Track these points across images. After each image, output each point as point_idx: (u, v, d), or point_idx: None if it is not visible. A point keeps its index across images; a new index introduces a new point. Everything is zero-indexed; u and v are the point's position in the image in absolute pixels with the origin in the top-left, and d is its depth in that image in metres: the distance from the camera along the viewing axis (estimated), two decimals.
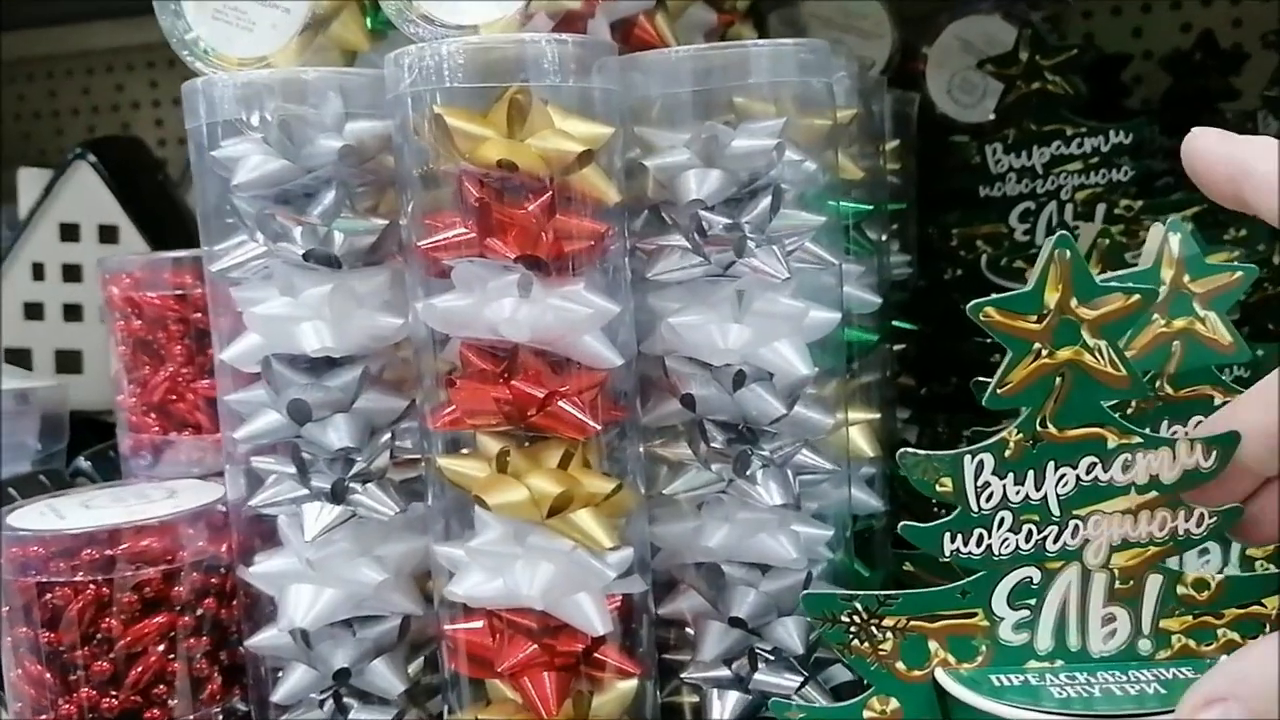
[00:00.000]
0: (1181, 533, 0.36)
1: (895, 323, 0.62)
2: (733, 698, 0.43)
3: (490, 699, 0.41)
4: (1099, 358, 0.35)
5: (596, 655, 0.40)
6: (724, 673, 0.43)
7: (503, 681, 0.40)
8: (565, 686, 0.39)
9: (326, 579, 0.41)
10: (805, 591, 0.39)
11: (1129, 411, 0.38)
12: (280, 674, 0.43)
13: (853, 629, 0.38)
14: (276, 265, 0.41)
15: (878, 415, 0.50)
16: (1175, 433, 0.39)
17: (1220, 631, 0.37)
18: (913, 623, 0.38)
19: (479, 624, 0.41)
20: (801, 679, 0.42)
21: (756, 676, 0.42)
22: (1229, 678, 0.31)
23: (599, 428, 0.38)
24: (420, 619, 0.43)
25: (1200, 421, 0.37)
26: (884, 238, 0.57)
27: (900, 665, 0.38)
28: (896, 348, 0.64)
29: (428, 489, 0.41)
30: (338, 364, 0.41)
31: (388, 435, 0.42)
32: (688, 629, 0.44)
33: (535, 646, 0.40)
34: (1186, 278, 0.40)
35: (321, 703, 0.42)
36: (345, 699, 0.42)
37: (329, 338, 0.40)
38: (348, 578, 0.41)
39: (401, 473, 0.43)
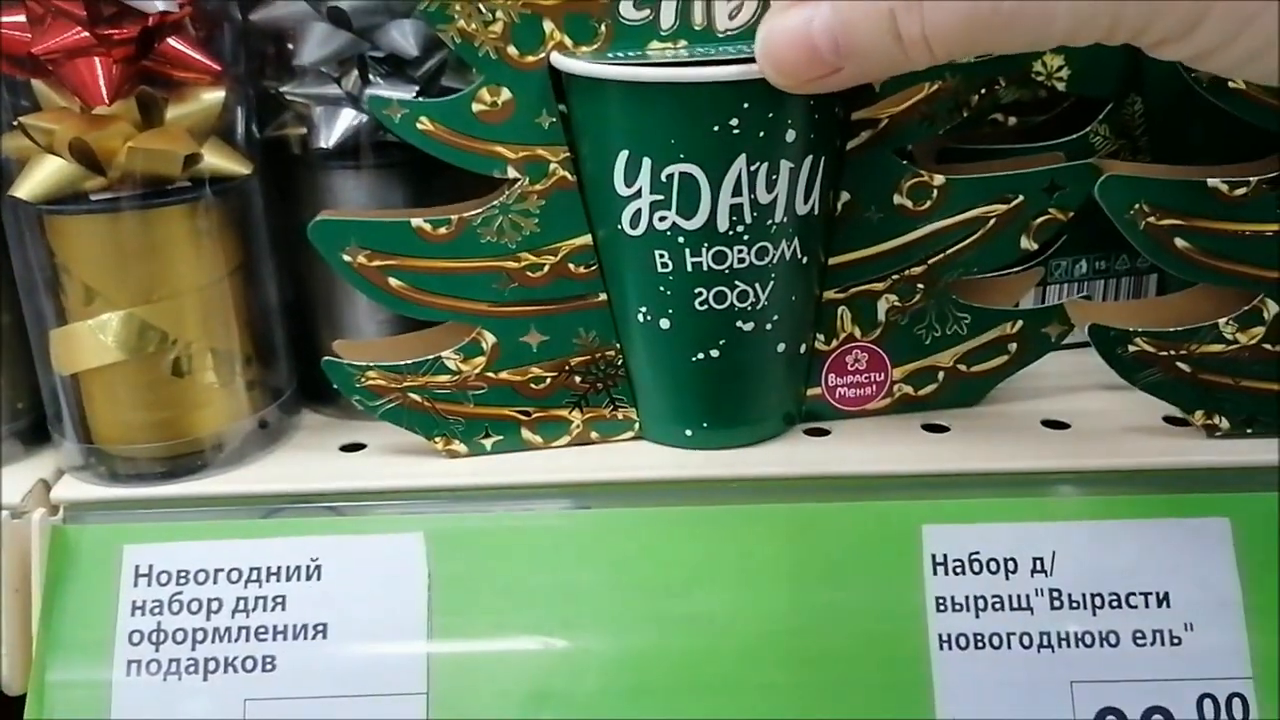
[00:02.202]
0: None
1: None
2: (343, 118, 0.38)
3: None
4: None
5: (166, 50, 0.34)
6: (332, 89, 0.38)
7: (48, 83, 0.34)
8: (121, 76, 0.33)
9: None
10: None
11: None
12: None
13: (459, 7, 0.34)
14: None
15: None
16: None
17: None
18: None
19: (17, 17, 0.34)
20: (418, 91, 0.38)
21: (369, 92, 0.38)
22: None
23: None
24: None
25: None
26: None
27: (512, 50, 0.35)
28: None
29: None
30: None
31: None
32: (290, 46, 0.38)
33: (83, 32, 0.33)
34: None
35: None
36: None
37: None
38: None
39: None
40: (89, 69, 0.33)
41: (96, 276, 0.35)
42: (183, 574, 0.35)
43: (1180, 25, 0.26)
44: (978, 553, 0.36)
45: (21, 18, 0.34)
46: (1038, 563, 0.36)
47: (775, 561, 0.36)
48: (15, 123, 0.34)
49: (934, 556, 0.36)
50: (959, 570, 0.36)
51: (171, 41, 0.34)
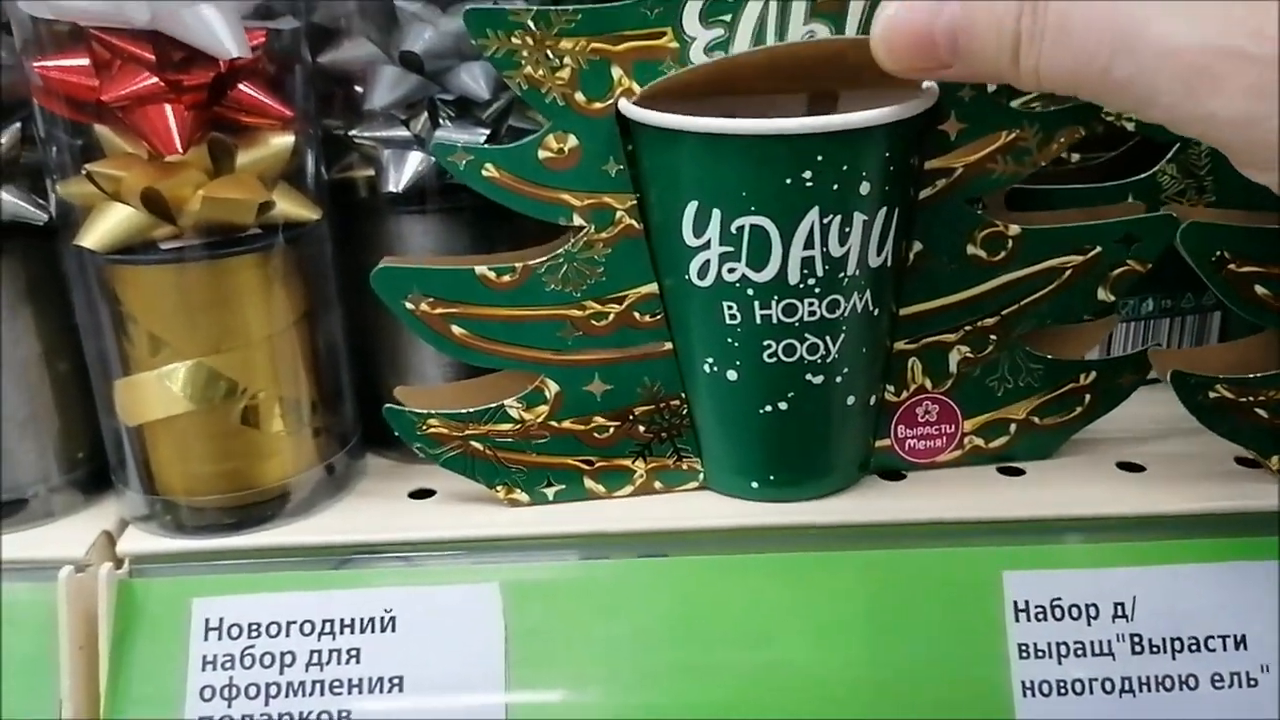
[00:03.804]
0: None
1: None
2: (411, 161, 0.38)
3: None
4: None
5: (237, 95, 0.34)
6: (401, 132, 0.38)
7: (115, 129, 0.34)
8: (193, 123, 0.33)
9: None
10: (468, 7, 0.33)
11: None
12: None
13: (525, 53, 0.34)
14: None
15: None
16: None
17: None
18: (594, 45, 0.34)
19: (81, 61, 0.33)
20: (488, 133, 0.38)
21: (439, 134, 0.37)
22: None
23: None
24: (16, 73, 0.35)
25: None
26: None
27: (580, 97, 0.34)
28: None
29: None
30: None
31: None
32: (358, 89, 0.38)
33: (153, 78, 0.33)
34: None
35: None
36: None
37: None
38: None
39: None
40: (160, 116, 0.33)
41: (165, 326, 0.35)
42: (254, 627, 0.34)
43: (1267, 161, 0.27)
44: (1059, 599, 0.35)
45: (85, 62, 0.34)
46: (1119, 608, 0.35)
47: (854, 609, 0.35)
48: (84, 170, 0.34)
49: (1015, 603, 0.35)
50: (1041, 617, 0.35)
51: (243, 87, 0.34)
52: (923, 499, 0.38)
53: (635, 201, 0.35)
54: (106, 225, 0.34)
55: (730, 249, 0.34)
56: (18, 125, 0.36)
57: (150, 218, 0.34)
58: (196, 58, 0.33)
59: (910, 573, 0.36)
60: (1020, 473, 0.39)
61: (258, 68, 0.34)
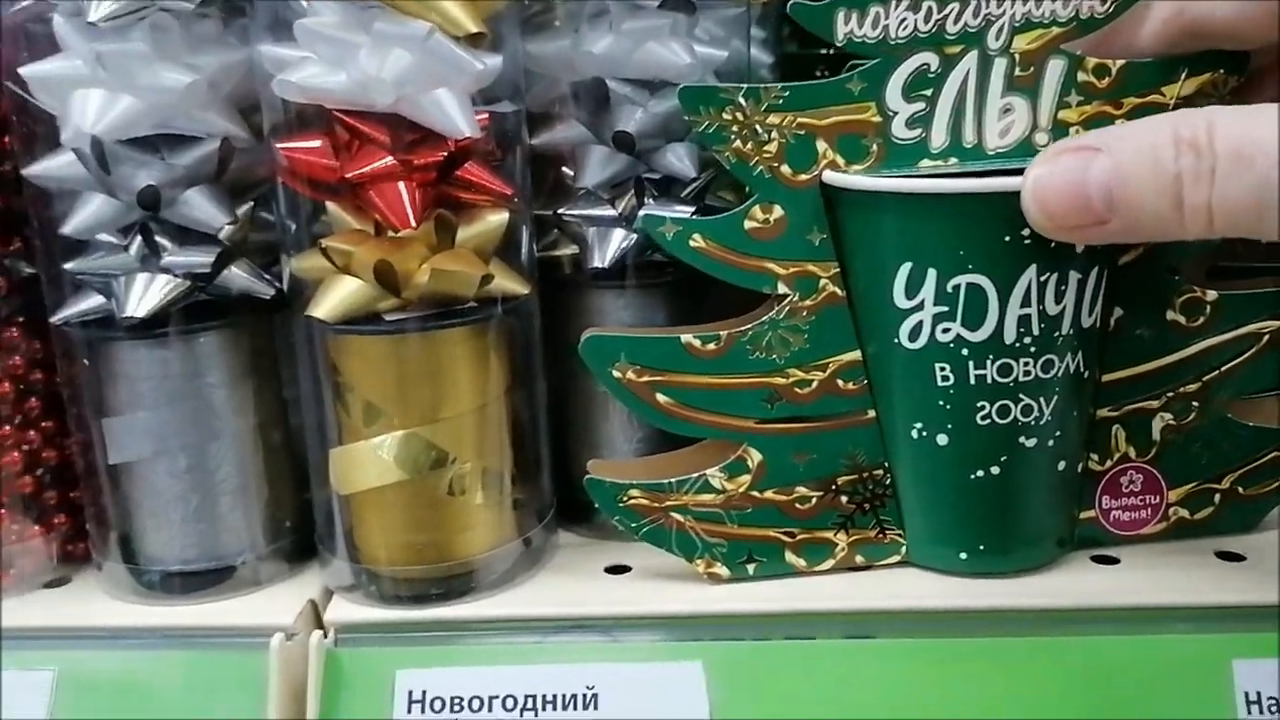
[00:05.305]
0: (1085, 12, 0.35)
1: None
2: (615, 239, 0.39)
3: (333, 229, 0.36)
4: None
5: (462, 174, 0.36)
6: (607, 211, 0.39)
7: (345, 208, 0.35)
8: (424, 199, 0.35)
9: (120, 83, 0.34)
10: (682, 85, 0.35)
11: None
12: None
13: (735, 128, 0.35)
14: None
15: None
16: None
17: (1118, 121, 0.35)
18: (800, 120, 0.35)
19: (317, 143, 0.35)
20: (692, 211, 0.39)
21: (643, 213, 0.38)
22: (1108, 134, 0.30)
23: None
24: (250, 156, 0.37)
25: None
26: None
27: (786, 169, 0.36)
28: None
29: None
30: None
31: None
32: (566, 169, 0.40)
33: (389, 158, 0.35)
34: None
35: (127, 246, 0.36)
36: (158, 238, 0.36)
37: None
38: (147, 84, 0.34)
39: None
40: (394, 193, 0.34)
41: (382, 395, 0.36)
42: (456, 701, 0.33)
43: None
44: None
45: (317, 143, 0.35)
46: None
47: (1072, 699, 0.33)
48: (320, 245, 0.35)
49: (1247, 695, 0.33)
50: (1274, 709, 0.33)
51: (469, 166, 0.36)
52: (1141, 581, 0.36)
53: (838, 270, 0.36)
54: (337, 297, 0.35)
55: (945, 309, 0.34)
56: (250, 205, 0.38)
57: (377, 290, 0.35)
58: (427, 138, 0.35)
59: (1132, 660, 0.34)
60: (1240, 558, 0.38)
61: (482, 148, 0.36)
